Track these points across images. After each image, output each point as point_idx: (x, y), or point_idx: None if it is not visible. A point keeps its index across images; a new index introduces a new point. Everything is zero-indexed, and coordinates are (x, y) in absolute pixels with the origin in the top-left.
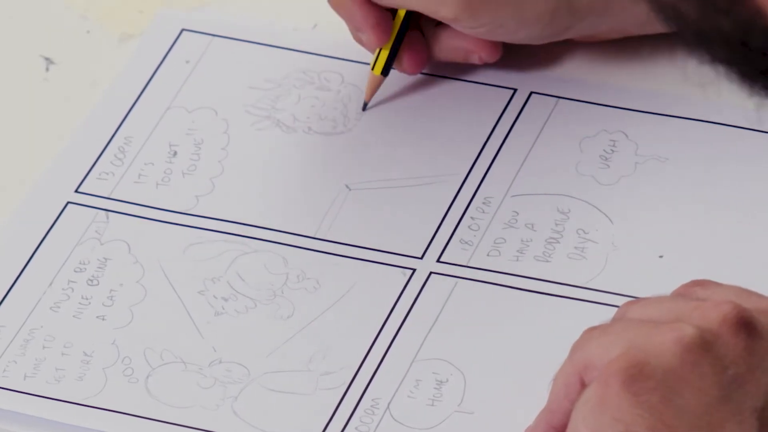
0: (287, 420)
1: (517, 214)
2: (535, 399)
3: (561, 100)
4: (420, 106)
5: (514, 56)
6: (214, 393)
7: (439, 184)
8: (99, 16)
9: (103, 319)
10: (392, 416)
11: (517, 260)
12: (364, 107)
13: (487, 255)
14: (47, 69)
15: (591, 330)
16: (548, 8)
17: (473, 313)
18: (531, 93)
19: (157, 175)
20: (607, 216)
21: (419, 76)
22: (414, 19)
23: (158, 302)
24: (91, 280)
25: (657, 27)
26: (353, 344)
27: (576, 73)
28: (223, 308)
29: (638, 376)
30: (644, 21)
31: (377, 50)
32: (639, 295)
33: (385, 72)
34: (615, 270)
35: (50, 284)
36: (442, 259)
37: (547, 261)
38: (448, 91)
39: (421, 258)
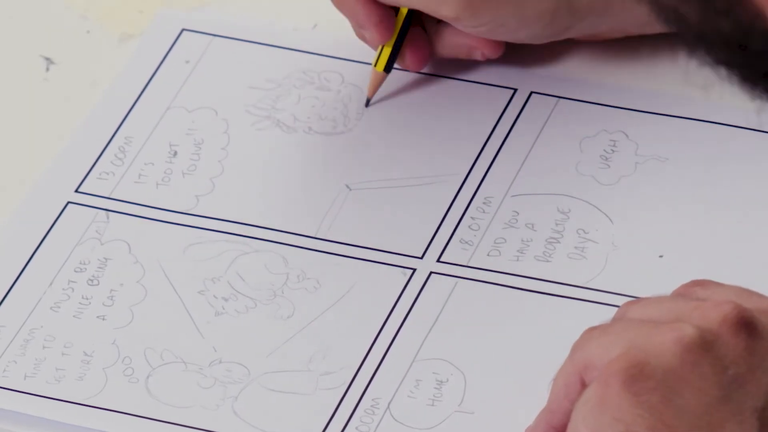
0: (287, 420)
1: (518, 213)
2: (535, 399)
3: (561, 99)
4: (420, 105)
5: (515, 56)
6: (214, 393)
7: (439, 184)
8: (99, 16)
9: (103, 319)
10: (392, 416)
11: (518, 260)
12: (367, 104)
13: (488, 255)
14: (47, 69)
15: (591, 330)
16: (549, 8)
17: (473, 313)
18: (531, 93)
19: (158, 175)
20: (607, 216)
21: (419, 75)
22: (416, 16)
23: (158, 302)
24: (92, 280)
25: (658, 27)
26: (353, 344)
27: (576, 73)
28: (224, 308)
29: (638, 376)
30: (645, 21)
31: (380, 47)
32: (639, 295)
33: (388, 69)
34: (615, 270)
35: (50, 284)
36: (442, 259)
37: (548, 261)
38: (448, 90)
39: (422, 258)
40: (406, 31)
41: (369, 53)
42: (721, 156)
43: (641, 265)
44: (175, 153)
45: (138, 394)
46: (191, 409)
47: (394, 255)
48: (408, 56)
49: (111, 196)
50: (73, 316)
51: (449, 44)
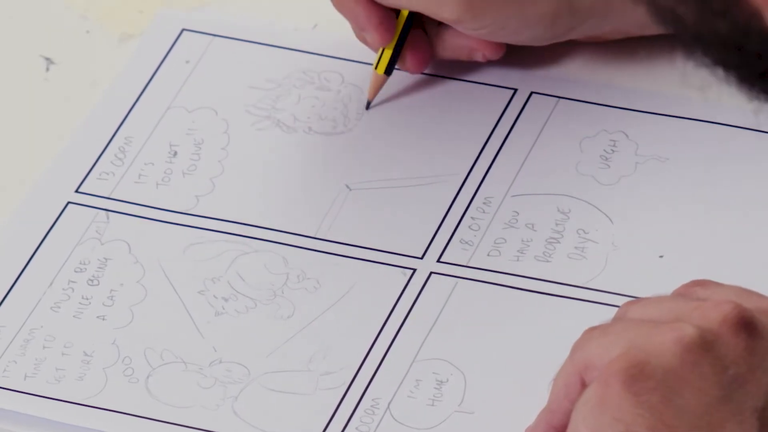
0: (287, 420)
1: (518, 214)
2: (535, 399)
3: (561, 100)
4: (420, 106)
5: (515, 56)
6: (214, 393)
7: (439, 184)
8: (99, 16)
9: (103, 319)
10: (392, 416)
11: (518, 260)
12: (368, 106)
13: (488, 255)
14: (47, 69)
15: (591, 330)
16: (550, 10)
17: (473, 313)
18: (531, 93)
19: (158, 175)
20: (607, 216)
21: (420, 75)
22: (417, 18)
23: (158, 302)
24: (92, 280)
25: (658, 28)
26: (353, 344)
27: (576, 74)
28: (224, 308)
29: (638, 376)
30: (646, 22)
31: (380, 49)
32: (639, 295)
33: (389, 71)
34: (615, 270)
35: (50, 284)
36: (442, 259)
37: (548, 261)
38: (448, 91)
39: (422, 258)
40: (407, 34)
41: (369, 53)
42: (721, 156)
43: (641, 265)
44: (175, 153)
45: (138, 394)
46: (191, 409)
47: (394, 255)
48: (409, 58)
49: (111, 196)
50: (73, 316)
51: (450, 46)
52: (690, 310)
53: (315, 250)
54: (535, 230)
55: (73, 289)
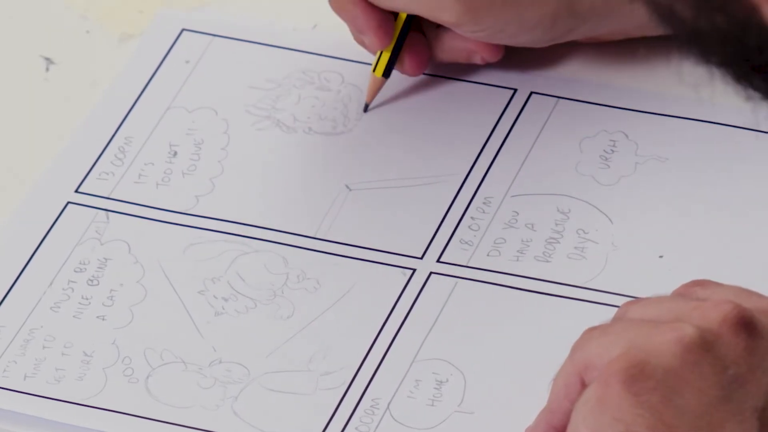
0: (287, 420)
1: (517, 214)
2: (535, 399)
3: (561, 100)
4: (420, 106)
5: (515, 57)
6: (214, 393)
7: (439, 184)
8: (99, 16)
9: (103, 319)
10: (392, 416)
11: (517, 260)
12: (366, 109)
13: (487, 255)
14: (47, 69)
15: (591, 330)
16: (549, 12)
17: (473, 313)
18: (531, 93)
19: (157, 175)
20: (607, 216)
21: (419, 76)
22: (415, 20)
23: (158, 302)
24: (92, 280)
25: (658, 29)
26: (353, 344)
27: (576, 74)
28: (223, 308)
29: (638, 376)
30: (645, 23)
31: (379, 52)
32: (639, 295)
33: (387, 74)
34: (615, 270)
35: (50, 284)
36: (442, 259)
37: (547, 261)
38: (448, 91)
39: (421, 258)
40: (406, 36)
41: (369, 54)
42: (721, 156)
43: (641, 265)
44: (175, 153)
45: (138, 394)
46: (191, 409)
47: (394, 255)
48: (407, 61)
49: (111, 196)
50: (73, 316)
51: (449, 49)
52: (690, 310)
53: (315, 250)
54: (534, 230)
55: (73, 289)
